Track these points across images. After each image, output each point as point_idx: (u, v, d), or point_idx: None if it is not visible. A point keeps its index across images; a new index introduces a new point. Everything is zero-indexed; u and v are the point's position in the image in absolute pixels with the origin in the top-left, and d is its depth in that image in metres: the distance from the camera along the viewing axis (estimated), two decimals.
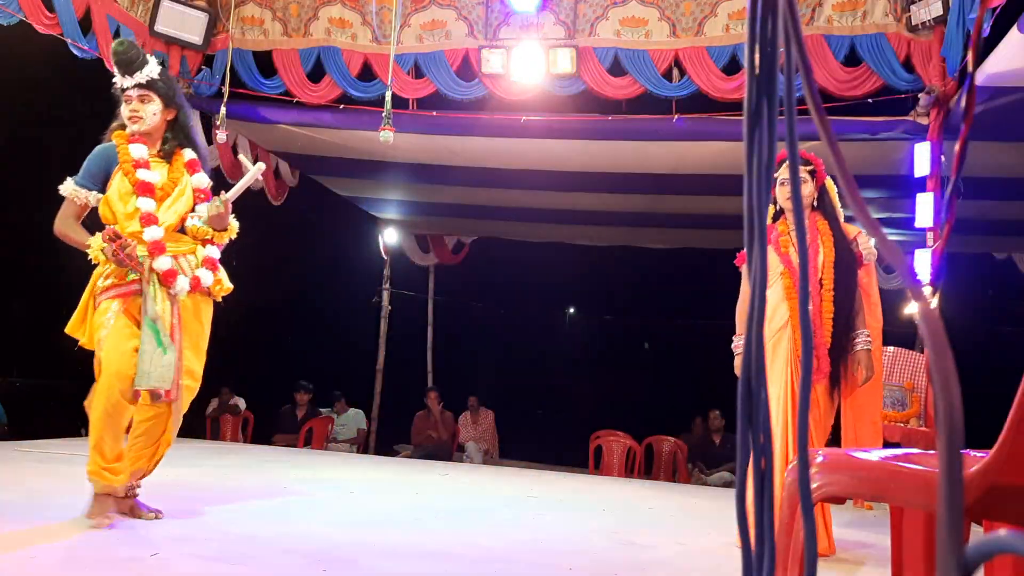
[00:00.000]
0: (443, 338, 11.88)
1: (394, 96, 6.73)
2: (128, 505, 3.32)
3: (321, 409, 9.31)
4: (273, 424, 9.08)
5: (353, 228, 11.18)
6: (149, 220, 3.21)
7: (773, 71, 1.06)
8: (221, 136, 7.02)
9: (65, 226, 3.26)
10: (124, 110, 3.30)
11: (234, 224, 3.49)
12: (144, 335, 3.11)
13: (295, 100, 7.12)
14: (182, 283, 3.24)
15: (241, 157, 3.76)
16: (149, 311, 3.13)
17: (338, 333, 11.41)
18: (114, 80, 3.31)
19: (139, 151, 3.27)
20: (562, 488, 5.65)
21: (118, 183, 3.25)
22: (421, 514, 4.13)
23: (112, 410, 3.11)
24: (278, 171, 8.53)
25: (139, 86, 3.26)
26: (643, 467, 7.77)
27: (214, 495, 4.25)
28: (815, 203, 3.67)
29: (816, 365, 3.39)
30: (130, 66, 3.25)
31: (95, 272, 3.25)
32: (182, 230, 3.36)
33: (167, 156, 3.38)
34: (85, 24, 6.16)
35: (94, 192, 3.27)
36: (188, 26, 6.91)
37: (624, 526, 4.13)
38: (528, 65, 6.55)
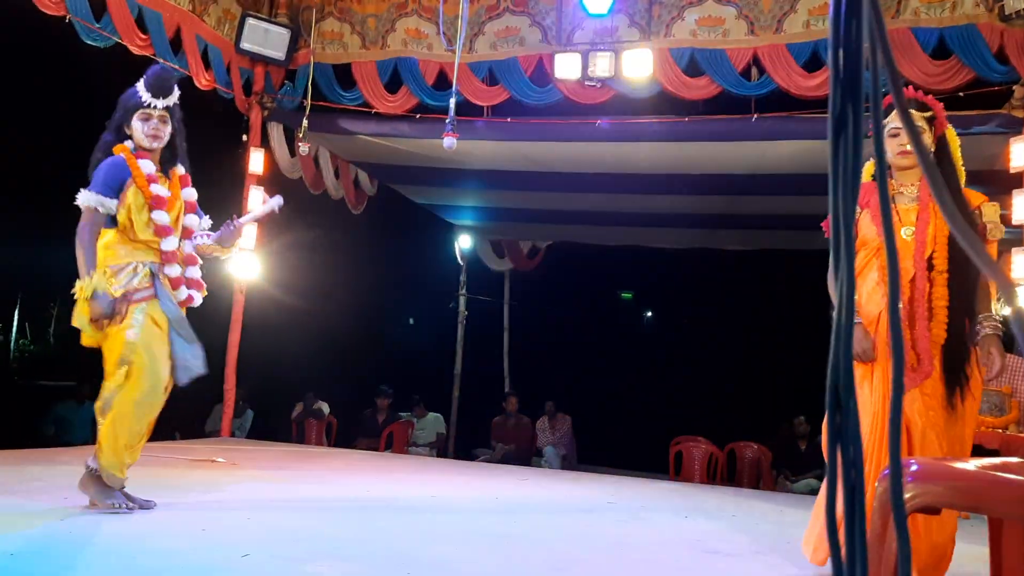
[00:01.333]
0: (519, 343, 11.91)
1: (469, 103, 6.79)
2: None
3: (401, 413, 9.45)
4: (356, 428, 9.26)
5: (430, 235, 11.33)
6: (166, 231, 3.56)
7: (858, 74, 1.04)
8: (303, 148, 7.20)
9: (88, 236, 3.49)
10: (143, 126, 3.57)
11: (235, 246, 3.91)
12: (172, 335, 3.49)
13: (373, 111, 7.26)
14: (183, 293, 3.61)
15: (263, 195, 3.92)
16: (173, 313, 3.51)
17: (417, 339, 11.56)
18: (141, 98, 3.56)
19: (148, 167, 3.57)
20: (642, 495, 5.60)
21: (133, 195, 3.51)
22: (499, 518, 4.15)
23: (148, 407, 3.45)
24: (357, 181, 8.70)
25: (165, 108, 3.60)
26: (725, 473, 7.64)
27: (300, 498, 4.35)
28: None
29: (921, 363, 2.83)
30: (166, 91, 3.59)
31: (100, 277, 3.43)
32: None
33: (166, 172, 3.68)
34: (175, 44, 6.41)
35: (115, 201, 3.50)
36: (272, 42, 7.11)
37: (707, 535, 4.06)
38: (603, 69, 6.52)
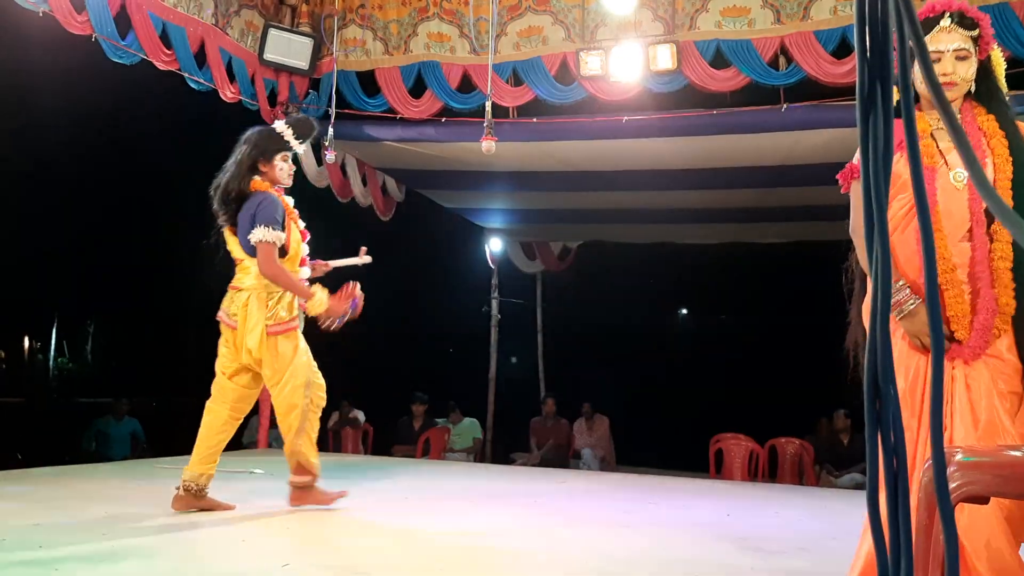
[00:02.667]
0: (553, 345, 11.86)
1: (494, 105, 6.77)
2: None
3: (437, 420, 9.44)
4: (391, 435, 9.27)
5: (460, 239, 11.34)
6: (304, 263, 3.99)
7: (886, 53, 1.00)
8: (330, 157, 7.22)
9: (282, 274, 3.80)
10: (285, 166, 3.95)
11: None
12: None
13: (398, 116, 7.27)
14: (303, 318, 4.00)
15: (362, 250, 4.36)
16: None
17: (450, 344, 11.57)
18: (287, 142, 3.92)
19: (289, 202, 3.95)
20: (683, 493, 5.53)
21: (289, 226, 3.86)
22: (540, 522, 4.12)
23: (316, 414, 3.96)
24: (385, 187, 8.72)
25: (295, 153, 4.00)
26: (767, 470, 7.52)
27: (338, 507, 4.35)
28: (973, 88, 2.33)
29: (974, 337, 2.19)
30: (309, 137, 4.03)
31: (266, 298, 3.81)
32: None
33: None
34: (199, 58, 6.47)
35: (284, 234, 3.81)
36: (295, 52, 7.15)
37: (750, 532, 3.99)
38: (627, 64, 6.46)
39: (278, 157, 3.88)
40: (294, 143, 3.91)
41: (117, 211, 10.74)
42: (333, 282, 4.08)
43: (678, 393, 12.24)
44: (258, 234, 3.71)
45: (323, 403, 3.99)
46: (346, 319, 3.91)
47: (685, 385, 12.32)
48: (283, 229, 3.78)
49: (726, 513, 4.60)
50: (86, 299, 12.47)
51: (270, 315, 3.78)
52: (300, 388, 3.83)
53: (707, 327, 14.73)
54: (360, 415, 9.13)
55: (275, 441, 8.11)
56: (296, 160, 7.56)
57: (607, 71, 6.53)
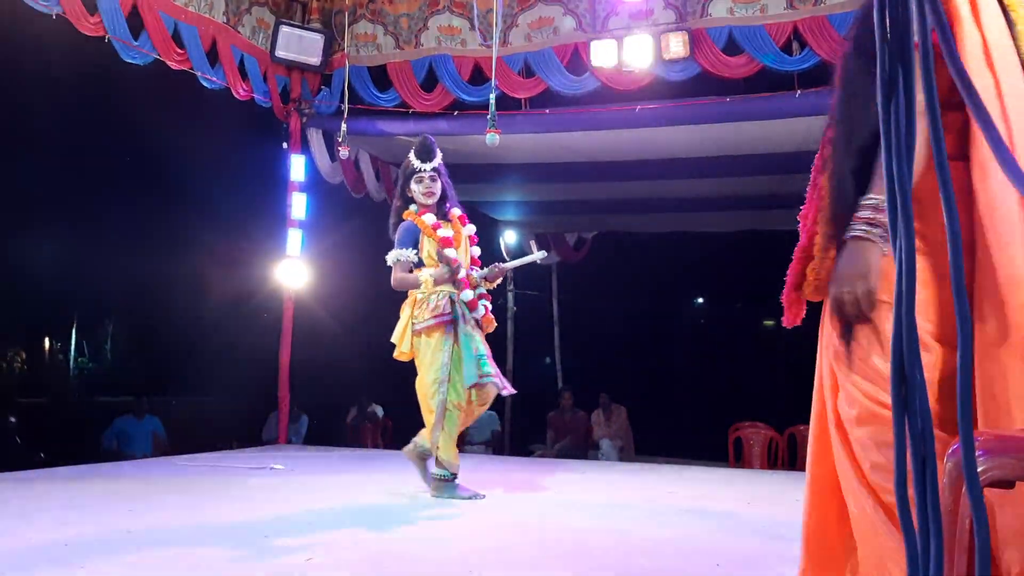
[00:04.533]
0: (570, 336, 11.85)
1: (506, 97, 6.75)
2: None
3: None
4: (410, 429, 9.29)
5: (475, 231, 11.33)
6: (457, 263, 4.30)
7: (907, 36, 0.99)
8: (343, 153, 7.24)
9: (401, 282, 4.36)
10: (419, 187, 4.40)
11: (499, 279, 4.55)
12: (464, 350, 4.23)
13: (411, 111, 7.26)
14: (481, 310, 4.38)
15: (532, 244, 4.46)
16: (463, 331, 4.26)
17: None
18: (414, 166, 4.39)
19: (431, 219, 4.39)
20: (703, 483, 5.52)
21: (427, 245, 4.34)
22: (561, 513, 4.12)
23: (454, 412, 4.34)
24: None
25: (434, 170, 4.41)
26: (786, 458, 7.50)
27: (359, 501, 4.37)
28: None
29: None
30: (430, 156, 4.41)
31: (407, 305, 4.37)
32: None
33: (444, 216, 4.47)
34: (211, 56, 6.49)
35: (414, 250, 4.34)
36: (306, 49, 7.16)
37: (771, 520, 3.98)
38: (639, 53, 6.43)
39: (413, 181, 4.40)
40: (419, 164, 4.38)
41: (135, 210, 10.80)
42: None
43: (696, 382, 12.22)
44: (388, 257, 4.38)
45: (461, 402, 4.33)
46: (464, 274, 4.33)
47: (703, 374, 12.30)
48: (415, 246, 4.34)
49: (746, 502, 4.59)
50: (105, 299, 12.55)
51: (416, 317, 4.30)
52: (430, 384, 4.31)
53: (723, 315, 14.68)
54: (379, 409, 9.16)
55: (294, 436, 8.17)
56: (310, 156, 7.62)
57: (619, 60, 6.49)
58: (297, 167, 7.45)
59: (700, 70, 6.45)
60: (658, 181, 8.38)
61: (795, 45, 6.27)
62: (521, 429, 10.36)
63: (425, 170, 4.38)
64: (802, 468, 7.26)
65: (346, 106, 7.26)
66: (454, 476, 4.37)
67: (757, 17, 6.29)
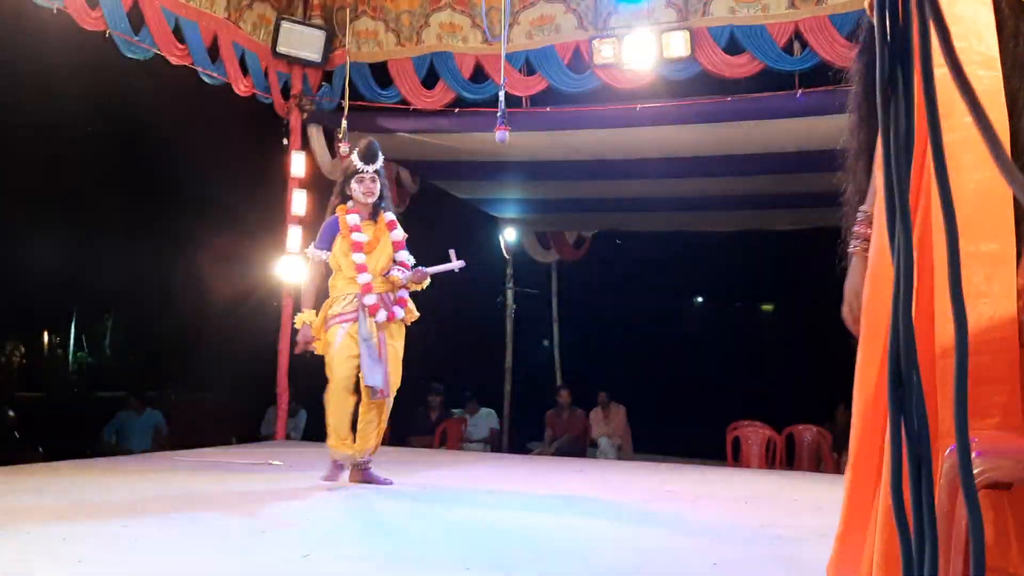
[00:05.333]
0: (569, 334, 11.84)
1: (508, 95, 6.75)
2: (360, 475, 4.58)
3: (454, 410, 9.46)
4: (408, 426, 9.30)
5: (474, 230, 11.32)
6: (361, 268, 4.49)
7: (906, 35, 0.99)
8: (344, 149, 7.23)
9: (307, 280, 4.71)
10: (359, 186, 4.53)
11: (426, 282, 4.73)
12: (362, 349, 4.42)
13: (411, 108, 7.26)
14: (381, 315, 4.51)
15: (452, 253, 4.83)
16: (363, 333, 4.43)
17: (466, 335, 11.57)
18: (356, 166, 4.53)
19: (354, 219, 4.55)
20: (701, 482, 5.52)
21: (339, 244, 4.53)
22: (558, 512, 4.12)
23: (339, 399, 4.52)
24: (399, 179, 8.71)
25: (375, 172, 4.56)
26: (784, 458, 7.50)
27: (357, 497, 4.37)
28: None
29: None
30: (374, 159, 4.54)
31: (325, 303, 4.57)
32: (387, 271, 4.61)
33: (374, 217, 4.61)
34: (212, 52, 6.48)
35: (327, 252, 4.55)
36: (307, 45, 7.15)
37: (768, 519, 3.99)
38: (641, 52, 6.43)
39: (353, 180, 4.55)
40: (361, 165, 4.53)
41: (135, 205, 10.79)
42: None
43: (695, 381, 12.21)
44: (307, 251, 4.70)
45: (331, 396, 4.59)
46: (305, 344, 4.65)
47: (702, 373, 12.28)
48: (329, 247, 4.54)
49: (744, 501, 4.60)
50: (104, 293, 12.55)
51: (328, 314, 4.56)
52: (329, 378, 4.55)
53: (723, 315, 14.67)
54: None
55: (293, 432, 8.17)
56: (310, 152, 7.62)
57: (620, 59, 6.49)
58: (298, 163, 7.44)
59: (701, 69, 6.45)
60: (658, 180, 8.38)
61: (796, 45, 6.26)
62: (519, 427, 10.36)
63: (367, 171, 4.53)
64: (799, 468, 7.25)
65: (347, 102, 7.26)
66: (341, 465, 4.62)
67: (758, 16, 6.29)
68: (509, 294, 11.20)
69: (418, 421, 9.24)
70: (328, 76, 7.54)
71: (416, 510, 4.02)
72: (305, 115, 7.52)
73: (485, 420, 9.32)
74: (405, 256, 4.69)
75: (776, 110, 6.58)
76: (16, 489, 4.20)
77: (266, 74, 7.13)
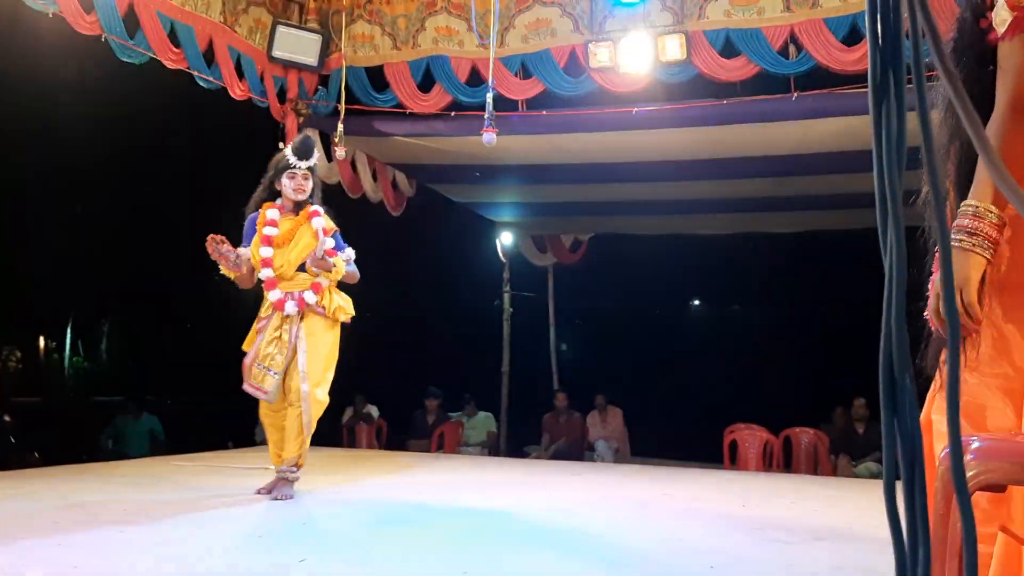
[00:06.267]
0: (566, 337, 11.87)
1: (503, 98, 6.75)
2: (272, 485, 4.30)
3: (451, 414, 9.46)
4: (406, 430, 9.30)
5: (471, 233, 11.33)
6: (265, 264, 4.26)
7: (898, 39, 0.99)
8: (340, 153, 7.23)
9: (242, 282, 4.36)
10: (291, 182, 4.32)
11: (340, 266, 4.33)
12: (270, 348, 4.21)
13: (408, 111, 7.26)
14: (290, 307, 4.22)
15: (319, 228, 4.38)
16: (266, 335, 4.22)
17: (463, 338, 11.57)
18: (289, 161, 4.31)
19: (272, 213, 4.33)
20: (698, 484, 5.52)
21: (255, 237, 4.30)
22: (555, 515, 4.12)
23: (265, 415, 4.35)
24: (396, 183, 8.72)
25: (308, 168, 4.35)
26: (781, 461, 7.51)
27: (354, 502, 4.37)
28: None
29: None
30: (307, 155, 4.35)
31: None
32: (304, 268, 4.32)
33: (297, 210, 4.36)
34: (208, 56, 6.48)
35: (247, 248, 4.29)
36: (303, 49, 7.15)
37: (766, 522, 3.98)
38: (637, 55, 6.43)
39: (285, 176, 4.33)
40: (295, 161, 4.32)
41: (131, 210, 10.79)
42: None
43: (692, 384, 12.23)
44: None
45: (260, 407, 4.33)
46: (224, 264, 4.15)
47: (699, 376, 12.30)
48: (249, 242, 4.31)
49: (741, 504, 4.60)
50: (101, 298, 12.54)
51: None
52: None
53: (720, 318, 14.69)
54: (374, 410, 9.16)
55: None
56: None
57: (616, 62, 6.50)
58: None
59: (697, 72, 6.46)
60: (655, 183, 8.39)
61: (792, 48, 6.27)
62: (517, 431, 10.36)
63: (300, 167, 4.34)
64: (798, 470, 7.27)
65: (343, 106, 7.25)
66: (278, 473, 4.34)
67: (754, 20, 6.30)
68: (506, 298, 11.21)
69: (415, 425, 9.25)
70: (324, 80, 7.54)
71: (414, 514, 4.01)
72: (301, 119, 7.51)
73: (483, 424, 9.32)
74: (330, 243, 4.32)
75: (772, 113, 6.59)
76: (11, 494, 4.19)
77: (262, 78, 7.13)
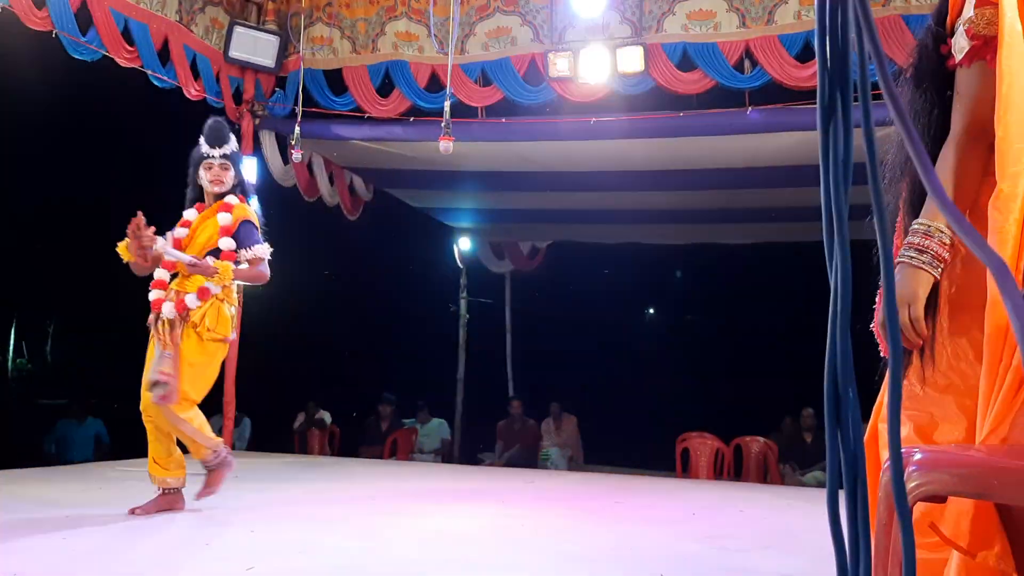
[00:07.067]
0: (522, 344, 11.87)
1: (462, 105, 6.76)
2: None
3: (405, 420, 9.41)
4: (358, 437, 9.22)
5: (428, 238, 11.31)
6: (164, 265, 3.90)
7: (846, 62, 1.02)
8: (297, 156, 7.17)
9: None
10: (207, 174, 3.94)
11: (225, 270, 3.83)
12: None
13: (366, 115, 7.23)
14: (167, 309, 3.79)
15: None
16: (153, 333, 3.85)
17: (418, 344, 11.53)
18: (202, 151, 3.94)
19: (190, 214, 4.01)
20: (650, 493, 5.57)
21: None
22: (507, 522, 4.12)
23: (147, 420, 3.85)
24: (353, 187, 8.67)
25: (224, 156, 3.94)
26: (732, 469, 7.60)
27: (303, 509, 4.32)
28: None
29: None
30: (220, 141, 3.93)
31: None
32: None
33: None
34: (163, 55, 6.39)
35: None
36: (261, 50, 7.08)
37: (716, 530, 4.03)
38: (596, 66, 6.49)
39: (201, 168, 3.97)
40: (207, 150, 3.94)
41: (79, 210, 10.56)
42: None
43: (646, 392, 12.32)
44: None
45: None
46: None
47: (652, 384, 12.40)
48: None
49: (692, 512, 4.64)
50: (46, 299, 12.25)
51: None
52: None
53: (674, 326, 14.83)
54: (326, 416, 9.07)
55: (237, 441, 8.05)
56: (262, 159, 7.52)
57: (575, 72, 6.55)
58: (248, 169, 7.34)
59: (655, 84, 6.54)
60: (612, 192, 8.46)
61: (747, 63, 6.39)
62: (471, 437, 10.34)
63: (214, 156, 3.92)
64: (748, 479, 7.35)
65: (300, 109, 7.20)
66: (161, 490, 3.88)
67: (710, 34, 6.40)
68: (463, 304, 11.20)
69: (369, 431, 9.18)
70: (281, 82, 7.48)
71: (364, 521, 3.98)
72: (257, 121, 7.44)
73: (436, 430, 9.28)
74: (228, 244, 3.86)
75: (727, 126, 6.70)
76: None
77: (218, 78, 7.04)
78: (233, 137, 4.02)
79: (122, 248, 3.81)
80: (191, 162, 4.01)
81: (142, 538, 3.34)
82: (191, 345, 3.79)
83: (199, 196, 4.03)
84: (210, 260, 3.85)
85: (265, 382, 8.75)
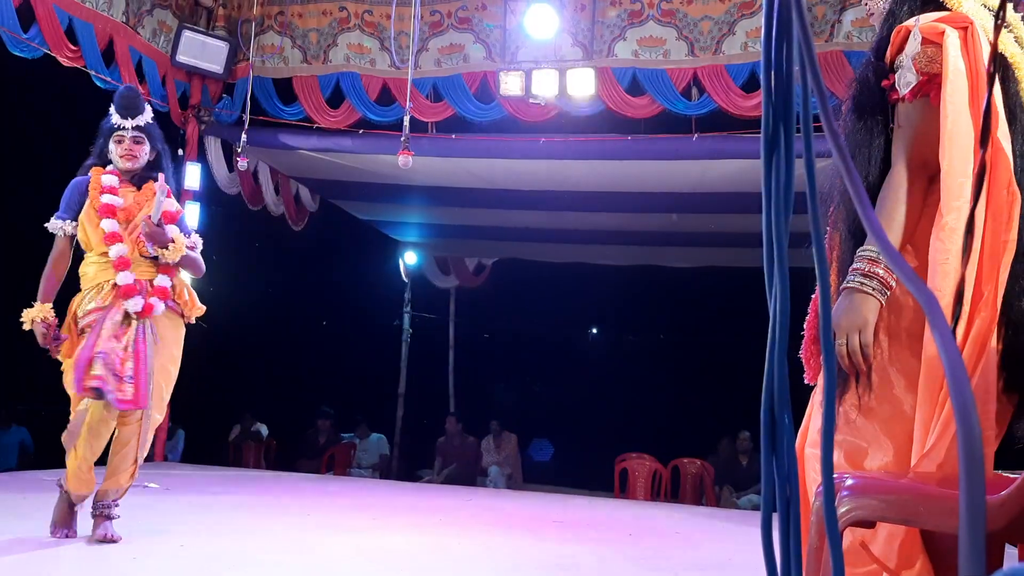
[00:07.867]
0: (465, 361, 11.85)
1: (413, 120, 6.76)
2: (102, 523, 3.46)
3: (343, 435, 9.29)
4: (296, 450, 9.07)
5: (374, 252, 11.23)
6: (114, 239, 3.36)
7: (789, 97, 1.04)
8: (243, 164, 7.07)
9: (49, 264, 3.48)
10: (116, 148, 3.47)
11: (180, 238, 3.46)
12: (104, 331, 3.26)
13: (315, 126, 7.18)
14: (135, 303, 3.30)
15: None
16: (114, 318, 3.30)
17: (360, 358, 11.41)
18: (113, 122, 3.49)
19: (109, 180, 3.46)
20: (588, 512, 5.59)
21: (87, 212, 3.42)
22: (445, 540, 4.09)
23: (97, 420, 3.31)
24: (298, 197, 8.58)
25: (137, 128, 3.49)
26: (670, 490, 7.67)
27: (236, 523, 4.23)
28: None
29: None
30: (133, 111, 3.49)
31: (73, 299, 3.43)
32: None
33: (138, 184, 3.52)
34: (107, 56, 6.26)
35: (70, 221, 3.45)
36: (209, 55, 6.99)
37: (650, 552, 4.06)
38: (546, 87, 6.56)
39: (112, 140, 3.50)
40: (118, 120, 3.49)
41: (8, 212, 10.25)
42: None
43: (586, 412, 12.38)
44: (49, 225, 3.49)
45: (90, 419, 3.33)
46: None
47: (593, 404, 12.47)
48: (76, 217, 3.44)
49: (628, 533, 4.67)
50: None
51: (79, 309, 3.44)
52: None
53: (617, 347, 14.95)
54: (263, 428, 8.91)
55: (170, 453, 7.86)
56: (206, 165, 7.40)
57: (526, 92, 6.61)
58: (192, 175, 7.21)
59: (604, 108, 6.63)
60: (559, 212, 8.53)
61: (694, 91, 6.52)
62: (411, 454, 10.26)
63: (126, 128, 3.47)
64: (684, 500, 7.42)
65: (247, 116, 7.11)
66: (74, 508, 3.53)
67: (660, 61, 6.52)
68: (406, 318, 11.14)
69: (306, 445, 9.04)
70: (229, 89, 7.39)
71: (298, 537, 3.91)
72: (203, 126, 7.33)
73: (375, 446, 9.19)
74: (176, 232, 3.46)
75: (673, 151, 6.82)
76: None
77: (163, 82, 6.92)
78: (149, 107, 3.59)
79: (27, 317, 3.38)
80: (100, 132, 3.56)
81: (69, 551, 3.23)
82: (173, 333, 3.53)
83: (99, 164, 3.55)
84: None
85: (200, 392, 8.56)
